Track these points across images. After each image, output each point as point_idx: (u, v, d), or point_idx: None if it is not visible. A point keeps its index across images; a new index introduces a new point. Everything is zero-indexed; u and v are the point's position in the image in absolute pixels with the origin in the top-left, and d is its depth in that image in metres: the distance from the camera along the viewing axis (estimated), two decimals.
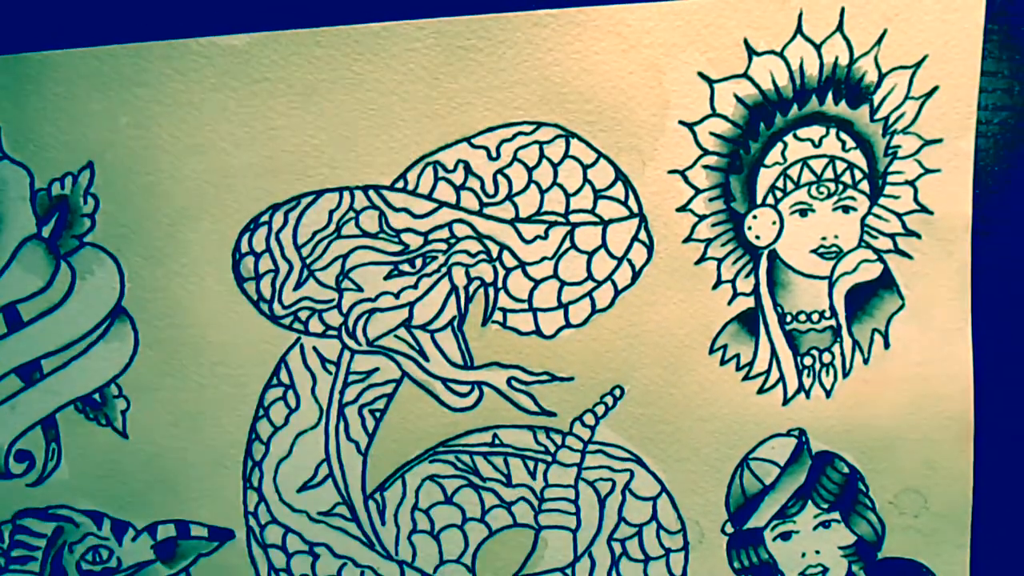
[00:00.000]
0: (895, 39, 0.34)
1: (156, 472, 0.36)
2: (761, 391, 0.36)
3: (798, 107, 0.34)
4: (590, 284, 0.35)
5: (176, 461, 0.35)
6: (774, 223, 0.35)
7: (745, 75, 0.34)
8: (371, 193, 0.33)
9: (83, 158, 0.33)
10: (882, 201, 0.35)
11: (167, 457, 0.35)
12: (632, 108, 0.34)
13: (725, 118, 0.34)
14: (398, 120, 0.33)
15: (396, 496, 0.36)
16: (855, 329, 0.36)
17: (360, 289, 0.34)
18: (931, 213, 0.36)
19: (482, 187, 0.34)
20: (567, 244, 0.35)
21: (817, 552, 0.37)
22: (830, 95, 0.34)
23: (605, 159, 0.34)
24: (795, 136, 0.35)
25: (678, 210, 0.35)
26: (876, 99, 0.35)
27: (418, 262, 0.34)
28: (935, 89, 0.35)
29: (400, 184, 0.34)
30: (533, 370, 0.35)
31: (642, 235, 0.35)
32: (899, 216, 0.36)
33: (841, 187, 0.35)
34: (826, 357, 0.36)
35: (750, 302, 0.36)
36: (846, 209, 0.35)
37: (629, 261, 0.35)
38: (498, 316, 0.35)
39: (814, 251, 0.36)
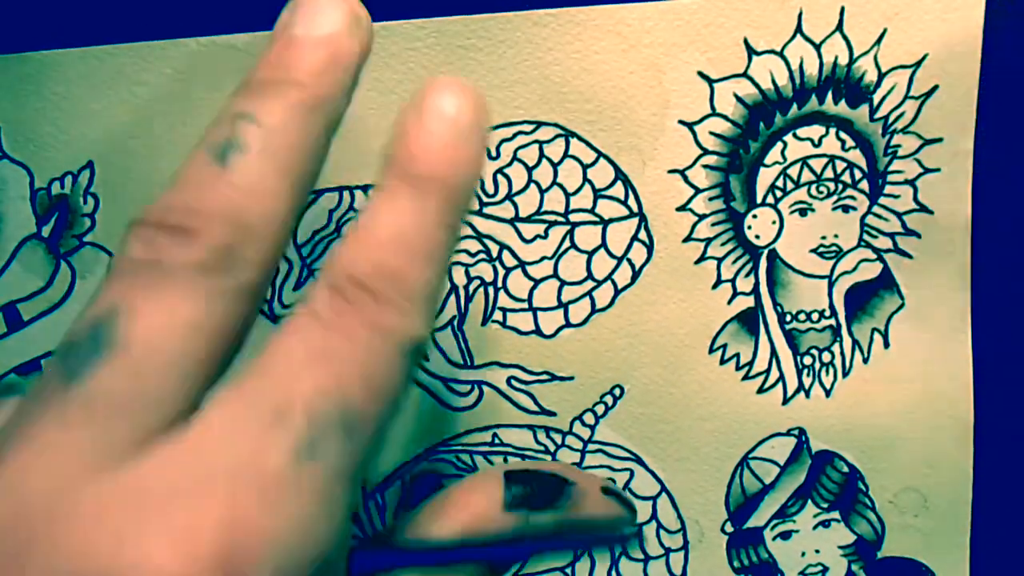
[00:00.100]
0: (895, 38, 0.34)
1: None
2: (761, 390, 0.36)
3: (798, 106, 0.34)
4: (590, 284, 0.35)
5: None
6: (774, 222, 0.35)
7: (745, 75, 0.34)
8: (371, 193, 0.33)
9: (83, 157, 0.33)
10: (882, 200, 0.36)
11: None
12: (632, 107, 0.34)
13: (725, 117, 0.34)
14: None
15: (396, 496, 0.36)
16: (855, 328, 0.36)
17: None
18: (931, 212, 0.36)
19: (482, 186, 0.34)
20: (567, 243, 0.35)
21: (817, 551, 0.37)
22: (830, 94, 0.34)
23: (605, 158, 0.34)
24: (795, 135, 0.35)
25: (678, 209, 0.35)
26: (876, 98, 0.35)
27: None
28: (935, 88, 0.35)
29: None
30: (533, 369, 0.35)
31: (642, 234, 0.35)
32: (899, 215, 0.36)
33: (841, 186, 0.35)
34: (826, 356, 0.36)
35: (750, 301, 0.36)
36: (846, 208, 0.35)
37: (629, 260, 0.35)
38: (498, 315, 0.35)
39: (814, 250, 0.36)
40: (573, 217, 0.35)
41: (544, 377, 0.35)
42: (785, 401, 0.36)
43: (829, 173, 0.35)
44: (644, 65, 0.33)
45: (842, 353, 0.36)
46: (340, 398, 0.21)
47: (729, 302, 0.36)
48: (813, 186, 0.35)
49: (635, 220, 0.35)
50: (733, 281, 0.36)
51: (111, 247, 0.34)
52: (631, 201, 0.35)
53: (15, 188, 0.33)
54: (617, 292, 0.35)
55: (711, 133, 0.34)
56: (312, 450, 0.20)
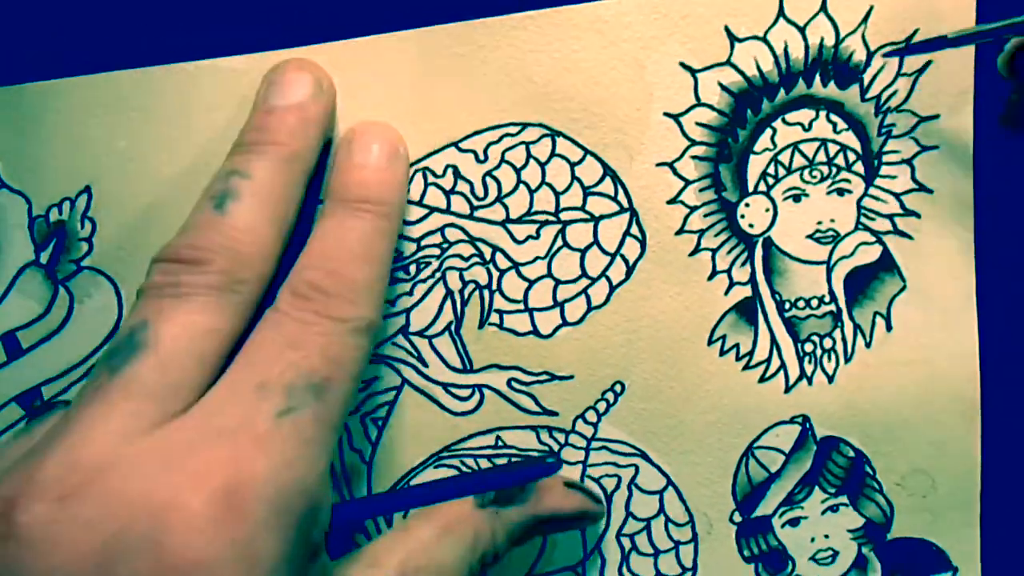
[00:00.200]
0: (882, 15, 0.33)
1: None
2: (762, 380, 0.36)
3: (785, 91, 0.34)
4: (585, 281, 0.35)
5: None
6: (767, 210, 0.35)
7: (728, 62, 0.33)
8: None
9: (80, 183, 0.34)
10: (878, 182, 0.35)
11: None
12: (616, 103, 0.33)
13: (711, 107, 0.34)
14: None
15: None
16: (856, 313, 0.36)
17: None
18: (931, 192, 0.35)
19: (471, 190, 0.34)
20: (559, 242, 0.35)
21: (826, 536, 0.37)
22: (817, 77, 0.34)
23: (592, 155, 0.34)
24: (784, 121, 0.34)
25: (669, 202, 0.34)
26: (866, 78, 0.34)
27: (412, 268, 0.34)
28: (928, 64, 0.34)
29: None
30: (532, 370, 0.35)
31: (634, 229, 0.35)
32: (897, 196, 0.35)
33: (834, 170, 0.35)
34: (827, 342, 0.36)
35: (747, 291, 0.35)
36: (841, 192, 0.35)
37: (622, 256, 0.35)
38: (495, 318, 0.35)
39: (810, 236, 0.35)
40: (564, 216, 0.34)
41: (544, 377, 0.36)
42: (787, 389, 0.36)
43: (821, 157, 0.35)
44: (625, 60, 0.33)
45: (843, 338, 0.36)
46: (307, 371, 0.27)
47: (726, 293, 0.35)
48: (806, 171, 0.35)
49: (626, 215, 0.35)
50: (729, 271, 0.35)
51: (109, 270, 0.34)
52: (621, 196, 0.34)
53: (13, 216, 0.34)
54: (612, 288, 0.35)
55: (697, 124, 0.34)
56: (289, 411, 0.27)
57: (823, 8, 0.33)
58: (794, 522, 0.37)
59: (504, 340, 0.35)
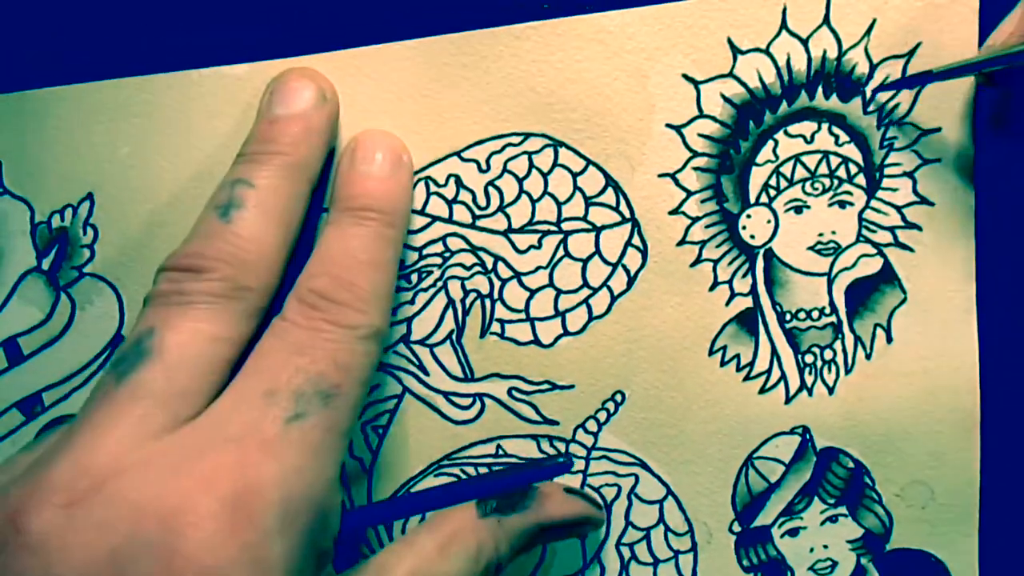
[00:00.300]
0: (885, 28, 0.33)
1: None
2: (763, 391, 0.36)
3: (787, 103, 0.34)
4: (586, 291, 0.35)
5: None
6: (769, 222, 0.35)
7: (731, 74, 0.33)
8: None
9: (83, 189, 0.34)
10: (880, 194, 0.35)
11: None
12: (618, 114, 0.33)
13: (713, 119, 0.34)
14: None
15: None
16: (856, 325, 0.36)
17: None
18: (932, 204, 0.35)
19: (474, 200, 0.34)
20: (561, 252, 0.35)
21: (825, 547, 0.37)
22: (820, 89, 0.34)
23: (594, 166, 0.34)
24: (786, 133, 0.34)
25: (670, 213, 0.35)
26: (868, 91, 0.34)
27: (414, 277, 0.34)
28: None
29: None
30: (533, 379, 0.35)
31: (635, 240, 0.35)
32: (898, 209, 0.35)
33: (836, 182, 0.35)
34: (828, 354, 0.36)
35: (748, 302, 0.35)
36: (842, 204, 0.35)
37: (624, 266, 0.35)
38: (496, 327, 0.35)
39: (811, 248, 0.35)
40: (566, 226, 0.34)
41: (545, 387, 0.36)
42: (788, 400, 0.36)
43: (823, 169, 0.35)
44: (628, 71, 0.33)
45: (844, 350, 0.36)
46: (315, 376, 0.27)
47: (727, 304, 0.35)
48: (807, 183, 0.35)
49: (628, 226, 0.35)
50: (730, 282, 0.35)
51: (110, 277, 0.34)
52: (623, 207, 0.34)
53: (16, 223, 0.34)
54: (614, 299, 0.35)
55: (700, 135, 0.34)
56: (297, 416, 0.27)
57: (826, 21, 0.33)
58: (794, 532, 0.37)
59: (505, 349, 0.35)
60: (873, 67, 0.34)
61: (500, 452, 0.36)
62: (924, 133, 0.35)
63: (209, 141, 0.33)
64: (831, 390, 0.36)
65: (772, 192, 0.35)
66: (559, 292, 0.35)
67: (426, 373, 0.35)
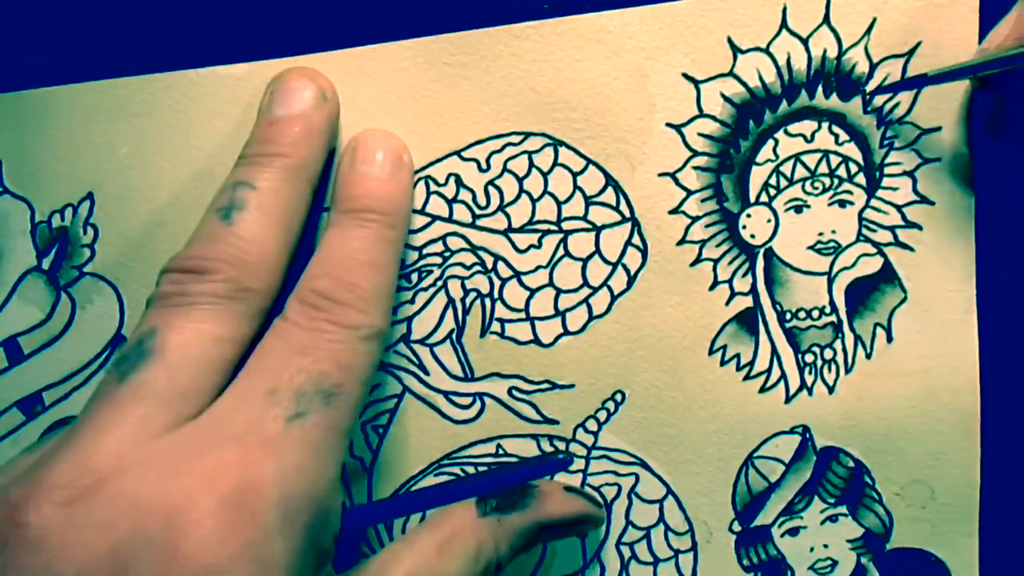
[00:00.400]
0: (885, 27, 0.33)
1: None
2: (763, 390, 0.36)
3: (787, 103, 0.34)
4: (586, 291, 0.35)
5: None
6: (769, 221, 0.35)
7: (731, 74, 0.33)
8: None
9: (83, 189, 0.34)
10: (880, 193, 0.35)
11: None
12: (618, 113, 0.33)
13: (713, 118, 0.34)
14: None
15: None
16: (856, 324, 0.36)
17: None
18: (932, 204, 0.35)
19: (474, 199, 0.34)
20: (561, 252, 0.35)
21: (825, 546, 0.37)
22: (820, 89, 0.34)
23: (594, 165, 0.34)
24: (786, 132, 0.34)
25: (670, 212, 0.35)
26: (868, 90, 0.34)
27: (414, 277, 0.34)
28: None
29: None
30: (533, 379, 0.35)
31: (635, 239, 0.35)
32: (898, 208, 0.35)
33: (836, 181, 0.35)
34: (828, 353, 0.36)
35: (748, 301, 0.35)
36: (843, 203, 0.35)
37: (624, 266, 0.35)
38: (496, 327, 0.35)
39: (811, 247, 0.35)
40: (566, 225, 0.34)
41: (545, 386, 0.36)
42: (788, 400, 0.36)
43: (823, 168, 0.35)
44: (628, 71, 0.33)
45: (844, 349, 0.36)
46: (317, 376, 0.28)
47: (727, 303, 0.35)
48: (807, 182, 0.35)
49: (628, 225, 0.35)
50: (730, 282, 0.35)
51: (110, 277, 0.34)
52: (623, 206, 0.34)
53: (16, 222, 0.34)
54: (614, 298, 0.35)
55: (700, 134, 0.34)
56: (298, 415, 0.27)
57: (826, 20, 0.33)
58: (794, 532, 0.37)
59: (505, 349, 0.35)
60: (873, 67, 0.34)
61: (500, 451, 0.36)
62: (924, 132, 0.35)
63: (208, 141, 0.33)
64: (831, 389, 0.36)
65: (772, 191, 0.35)
66: (559, 291, 0.35)
67: (426, 372, 0.35)
